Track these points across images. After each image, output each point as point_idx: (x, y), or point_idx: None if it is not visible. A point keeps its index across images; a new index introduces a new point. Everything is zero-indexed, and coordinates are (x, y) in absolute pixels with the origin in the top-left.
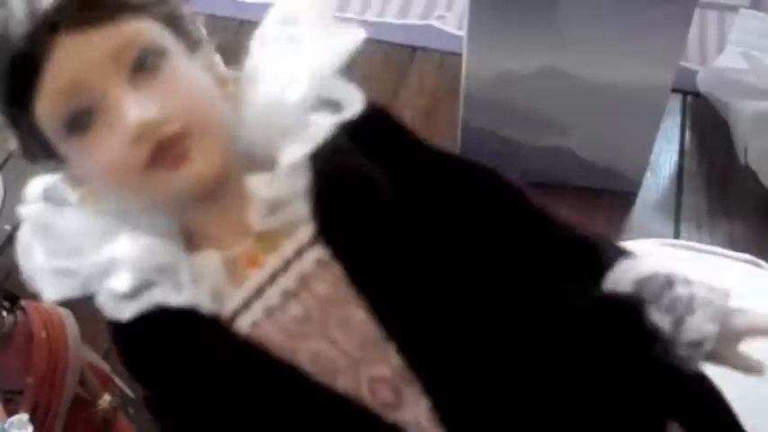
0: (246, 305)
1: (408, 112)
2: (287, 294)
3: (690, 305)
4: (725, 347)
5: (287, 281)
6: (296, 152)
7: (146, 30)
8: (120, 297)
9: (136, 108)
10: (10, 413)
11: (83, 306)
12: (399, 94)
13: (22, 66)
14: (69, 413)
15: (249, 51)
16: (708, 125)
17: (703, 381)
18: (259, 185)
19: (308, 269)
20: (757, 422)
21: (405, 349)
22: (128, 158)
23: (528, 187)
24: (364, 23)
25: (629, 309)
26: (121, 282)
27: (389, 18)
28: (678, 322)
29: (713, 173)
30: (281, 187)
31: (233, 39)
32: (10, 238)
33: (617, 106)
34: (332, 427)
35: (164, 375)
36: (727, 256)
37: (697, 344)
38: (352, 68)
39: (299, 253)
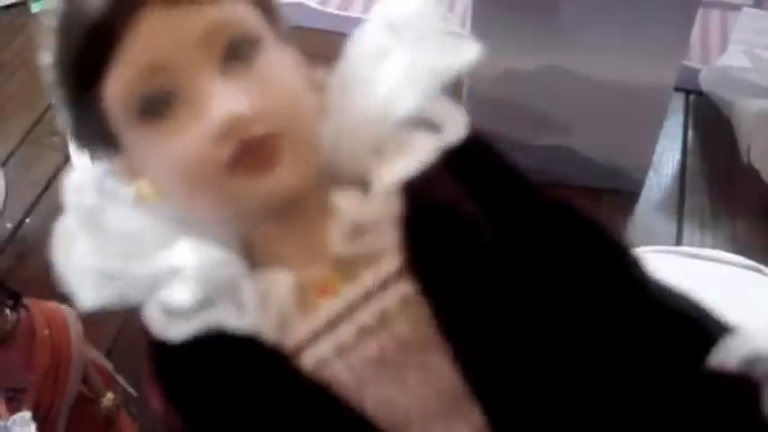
0: (315, 338)
1: None
2: (363, 331)
3: None
4: None
5: (365, 316)
6: (397, 173)
7: (242, 14)
8: (175, 313)
9: (225, 99)
10: (12, 411)
11: None
12: None
13: (99, 37)
14: (72, 411)
15: (344, 56)
16: (711, 124)
17: None
18: (347, 205)
19: (390, 306)
20: None
21: (491, 412)
22: (207, 156)
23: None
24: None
25: (741, 390)
26: (181, 295)
27: None
28: None
29: (716, 172)
30: (372, 210)
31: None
32: (12, 236)
33: (619, 105)
34: None
35: (209, 408)
36: (730, 263)
37: None
38: None
39: (381, 287)
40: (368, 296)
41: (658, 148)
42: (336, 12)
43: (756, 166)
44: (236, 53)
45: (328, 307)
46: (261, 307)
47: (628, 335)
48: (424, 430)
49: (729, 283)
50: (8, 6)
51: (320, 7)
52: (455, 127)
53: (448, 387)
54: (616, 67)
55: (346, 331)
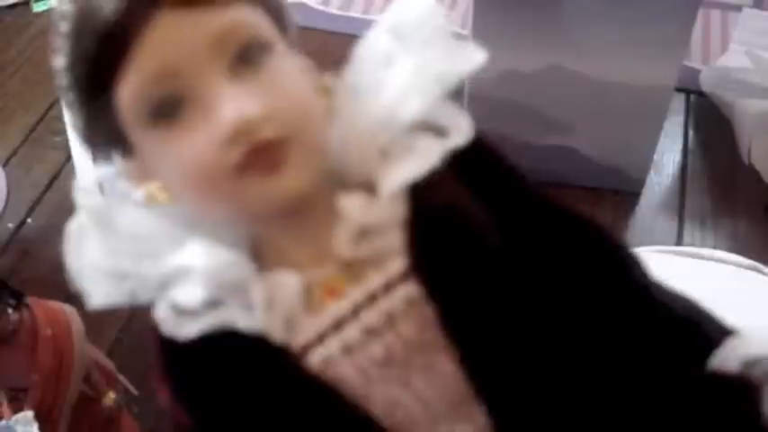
0: (321, 339)
1: None
2: (369, 332)
3: None
4: None
5: (371, 317)
6: (402, 176)
7: (253, 19)
8: (184, 312)
9: (236, 103)
10: (15, 411)
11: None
12: None
13: (111, 40)
14: (74, 411)
15: (351, 61)
16: (711, 124)
17: None
18: (353, 207)
19: (395, 307)
20: None
21: (496, 413)
22: (217, 158)
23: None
24: (367, 22)
25: (741, 392)
26: (192, 294)
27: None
28: None
29: (717, 172)
30: (378, 212)
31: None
32: (14, 236)
33: (620, 105)
34: None
35: (217, 407)
36: (730, 263)
37: None
38: None
39: (387, 288)
40: (374, 297)
41: (659, 149)
42: (338, 12)
43: (757, 166)
44: (246, 57)
45: (335, 308)
46: (269, 307)
47: (629, 337)
48: (429, 430)
49: (729, 283)
50: (10, 6)
51: (321, 7)
52: (460, 131)
53: (453, 388)
54: (617, 67)
55: (352, 332)
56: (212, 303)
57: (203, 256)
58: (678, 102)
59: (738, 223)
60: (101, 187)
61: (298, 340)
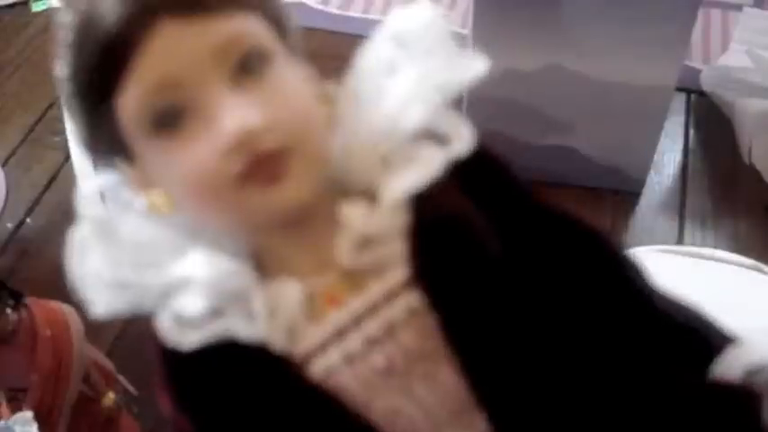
0: (323, 347)
1: None
2: (370, 341)
3: None
4: None
5: (372, 326)
6: (404, 185)
7: (254, 28)
8: (186, 322)
9: (237, 113)
10: (14, 411)
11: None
12: None
13: (113, 51)
14: (73, 411)
15: (353, 69)
16: (712, 124)
17: None
18: (354, 216)
19: (397, 316)
20: None
21: (496, 420)
22: (218, 168)
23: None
24: (368, 22)
25: (742, 400)
26: (193, 304)
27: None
28: None
29: (717, 172)
30: (379, 222)
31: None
32: (13, 236)
33: (621, 105)
34: None
35: (219, 415)
36: (730, 262)
37: None
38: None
39: (388, 297)
40: (375, 307)
41: (659, 148)
42: (337, 11)
43: (757, 166)
44: (247, 67)
45: (336, 317)
46: (270, 316)
47: (630, 345)
48: None
49: (730, 282)
50: (9, 6)
51: (321, 7)
52: (462, 140)
53: (454, 396)
54: (617, 67)
55: (354, 341)
56: (214, 313)
57: (205, 265)
58: (678, 101)
59: (739, 223)
60: (102, 195)
61: (299, 349)
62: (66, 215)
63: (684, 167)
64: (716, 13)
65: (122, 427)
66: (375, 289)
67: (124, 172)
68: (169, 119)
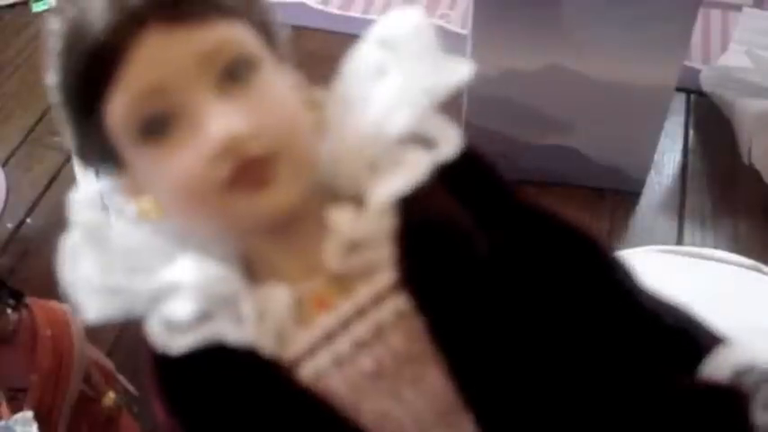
0: (312, 351)
1: None
2: (359, 344)
3: None
4: None
5: (360, 330)
6: (391, 189)
7: (240, 36)
8: (175, 326)
9: (223, 120)
10: (14, 411)
11: None
12: None
13: (100, 59)
14: (74, 411)
15: (340, 74)
16: (712, 124)
17: None
18: (342, 221)
19: (385, 319)
20: None
21: (483, 422)
22: (205, 175)
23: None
24: (367, 22)
25: (731, 401)
26: (182, 309)
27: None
28: None
29: (717, 172)
30: (367, 226)
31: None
32: (13, 236)
33: (621, 105)
34: None
35: (209, 420)
36: (729, 262)
37: None
38: None
39: (376, 300)
40: (363, 310)
41: (659, 148)
42: (337, 12)
43: (757, 166)
44: (234, 74)
45: (325, 320)
46: (259, 320)
47: (618, 346)
48: None
49: (730, 282)
50: (9, 6)
51: (321, 7)
52: (450, 143)
53: (442, 398)
54: (617, 67)
55: (342, 344)
56: (203, 317)
57: (193, 270)
58: (678, 101)
59: (739, 223)
60: (103, 200)
61: (288, 353)
62: (66, 215)
63: (684, 167)
64: (716, 14)
65: (123, 427)
66: (363, 292)
67: (115, 179)
68: (156, 126)
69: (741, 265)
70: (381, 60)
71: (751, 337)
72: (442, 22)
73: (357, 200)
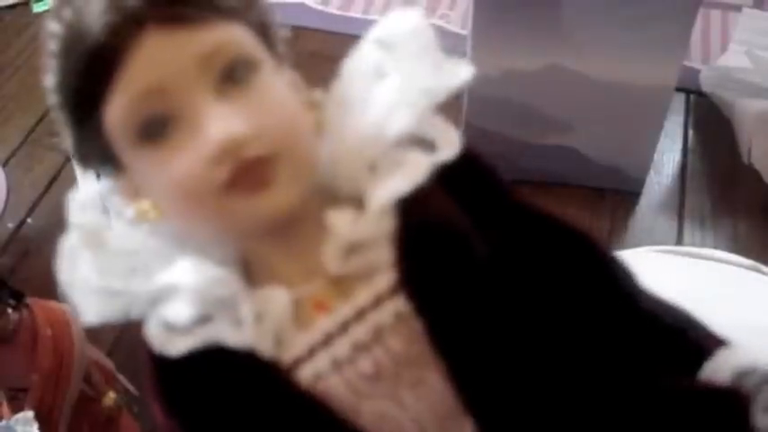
0: (311, 353)
1: None
2: (358, 347)
3: None
4: None
5: (360, 332)
6: (391, 191)
7: (239, 37)
8: (174, 329)
9: (222, 122)
10: (15, 411)
11: None
12: None
13: (99, 61)
14: (74, 410)
15: (339, 75)
16: (712, 124)
17: None
18: (341, 223)
19: (384, 321)
20: None
21: (483, 425)
22: (204, 177)
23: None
24: (367, 22)
25: (731, 403)
26: (180, 312)
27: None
28: None
29: (717, 172)
30: (366, 228)
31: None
32: (13, 236)
33: (620, 105)
34: None
35: (208, 422)
36: (729, 263)
37: None
38: None
39: (376, 303)
40: (362, 312)
41: (659, 148)
42: (337, 12)
43: (757, 166)
44: (233, 76)
45: (324, 322)
46: (258, 323)
47: (618, 348)
48: None
49: (729, 282)
50: (10, 6)
51: (321, 7)
52: (449, 145)
53: (442, 401)
54: (617, 67)
55: (341, 347)
56: (202, 320)
57: (192, 273)
58: (678, 102)
59: (738, 223)
60: (102, 200)
61: (287, 355)
62: (66, 216)
63: (684, 167)
64: (716, 14)
65: (123, 427)
66: (363, 294)
67: (114, 181)
68: (155, 128)
69: (741, 265)
70: (381, 61)
71: (751, 338)
72: (441, 23)
73: (356, 201)
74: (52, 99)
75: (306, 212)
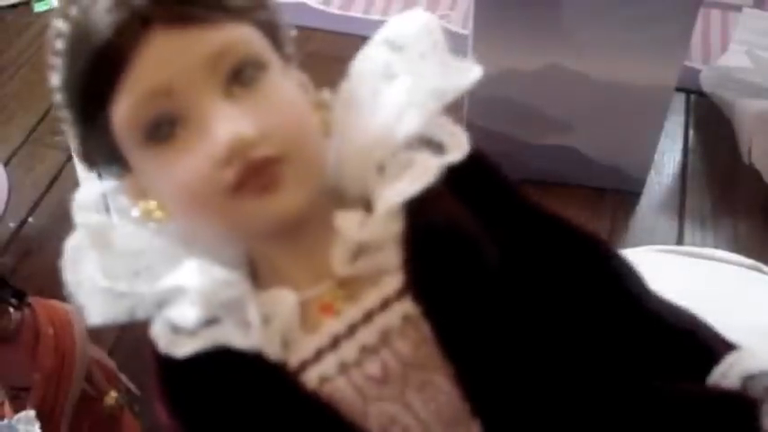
0: (318, 356)
1: None
2: (365, 350)
3: None
4: None
5: (367, 335)
6: (399, 193)
7: (247, 37)
8: (180, 331)
9: (229, 123)
10: (17, 410)
11: None
12: None
13: (105, 60)
14: (76, 409)
15: (347, 76)
16: (712, 124)
17: None
18: (349, 225)
19: (392, 324)
20: None
21: (490, 428)
22: (212, 178)
23: (533, 189)
24: (368, 22)
25: (740, 407)
26: (187, 314)
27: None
28: None
29: (717, 172)
30: (374, 230)
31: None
32: (15, 235)
33: (621, 105)
34: None
35: (214, 425)
36: (730, 262)
37: None
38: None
39: (383, 305)
40: (370, 315)
41: (659, 148)
42: (338, 12)
43: (757, 166)
44: (240, 76)
45: (331, 325)
46: (265, 325)
47: (626, 351)
48: None
49: (730, 282)
50: (11, 6)
51: (322, 7)
52: (458, 147)
53: (449, 405)
54: (617, 67)
55: (349, 349)
56: (208, 322)
57: (198, 274)
58: (678, 101)
59: (739, 223)
60: (105, 199)
61: (294, 358)
62: (68, 215)
63: (684, 167)
64: (716, 14)
65: (124, 426)
66: (370, 297)
67: (120, 181)
68: (162, 129)
69: (741, 265)
70: (390, 62)
71: (751, 338)
72: (442, 23)
73: (364, 202)
74: (58, 98)
75: (313, 214)
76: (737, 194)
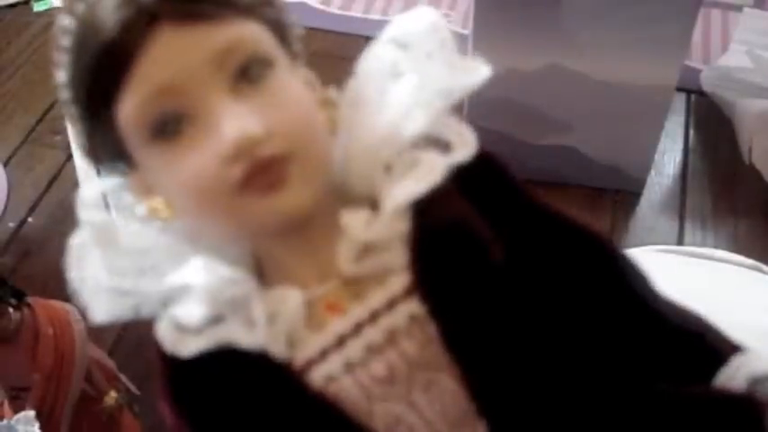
0: (323, 355)
1: None
2: (371, 349)
3: None
4: None
5: (373, 334)
6: (406, 193)
7: (254, 34)
8: (186, 329)
9: (236, 121)
10: (16, 410)
11: None
12: None
13: (112, 57)
14: (75, 410)
15: (354, 74)
16: (712, 124)
17: None
18: (355, 224)
19: (398, 324)
20: None
21: (497, 429)
22: (218, 175)
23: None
24: (368, 22)
25: (747, 409)
26: (192, 312)
27: (394, 17)
28: None
29: (718, 172)
30: (380, 230)
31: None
32: (14, 235)
33: (621, 105)
34: None
35: (219, 424)
36: (730, 262)
37: None
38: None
39: (390, 305)
40: (376, 314)
41: (660, 148)
42: (338, 12)
43: (757, 166)
44: (247, 73)
45: (337, 324)
46: (270, 324)
47: (632, 352)
48: None
49: (730, 282)
50: (10, 5)
51: (322, 7)
52: (464, 146)
53: (455, 404)
54: (617, 67)
55: (354, 349)
56: (214, 320)
57: (204, 272)
58: (679, 101)
59: (739, 223)
60: (105, 198)
61: (300, 357)
62: (67, 214)
63: (684, 167)
64: (716, 14)
65: (124, 426)
66: (376, 296)
67: (124, 178)
68: (168, 126)
69: (741, 265)
70: (397, 61)
71: (751, 338)
72: None
73: (370, 201)
74: (63, 94)
75: (319, 212)
76: (738, 194)
